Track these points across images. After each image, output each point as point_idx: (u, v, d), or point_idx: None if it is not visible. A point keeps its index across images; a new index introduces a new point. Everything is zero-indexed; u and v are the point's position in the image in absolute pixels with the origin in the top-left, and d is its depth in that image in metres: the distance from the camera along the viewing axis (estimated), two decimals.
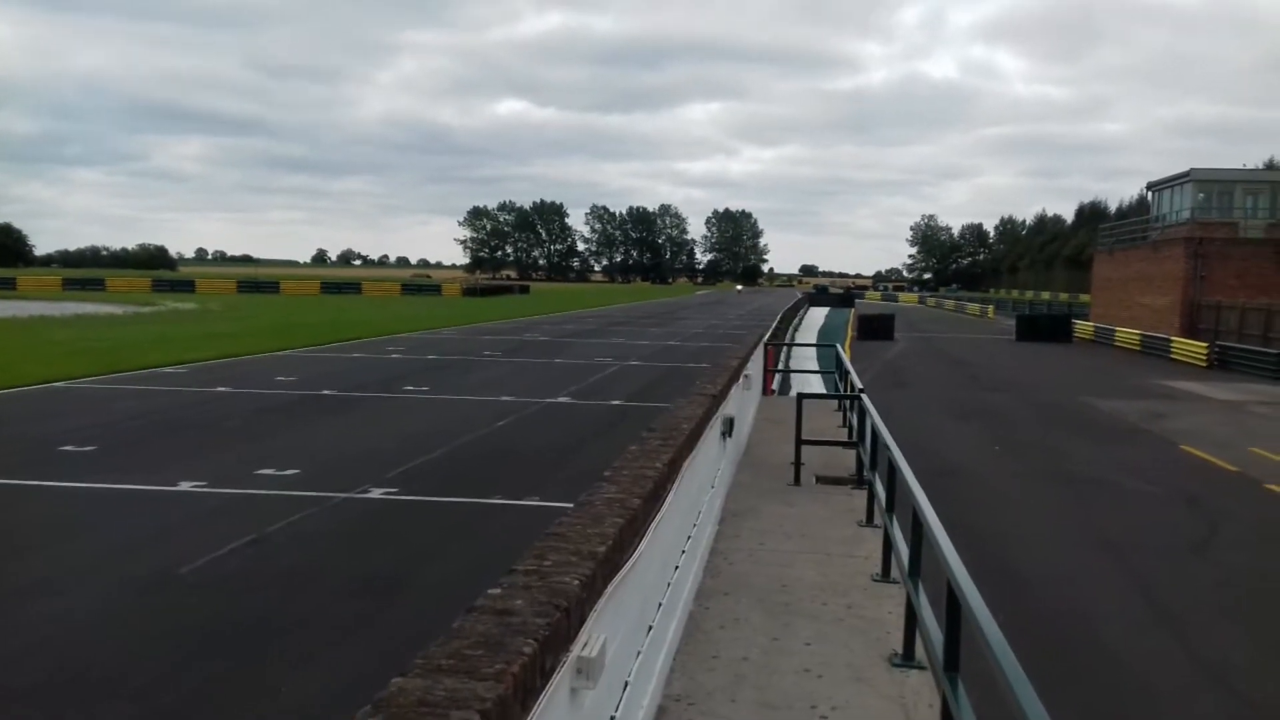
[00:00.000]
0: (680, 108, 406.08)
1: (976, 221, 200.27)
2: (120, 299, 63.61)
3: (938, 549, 3.83)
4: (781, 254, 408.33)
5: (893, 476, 5.94)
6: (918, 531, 4.63)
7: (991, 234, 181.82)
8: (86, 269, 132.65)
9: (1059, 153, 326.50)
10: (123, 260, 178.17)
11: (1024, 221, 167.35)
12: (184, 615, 6.37)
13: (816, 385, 22.39)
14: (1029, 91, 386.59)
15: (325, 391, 17.77)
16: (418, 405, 16.74)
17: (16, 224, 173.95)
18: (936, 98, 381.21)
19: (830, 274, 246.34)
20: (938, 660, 3.80)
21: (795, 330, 45.60)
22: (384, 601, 6.77)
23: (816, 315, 62.72)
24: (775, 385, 21.12)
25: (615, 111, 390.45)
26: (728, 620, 5.36)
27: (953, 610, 3.45)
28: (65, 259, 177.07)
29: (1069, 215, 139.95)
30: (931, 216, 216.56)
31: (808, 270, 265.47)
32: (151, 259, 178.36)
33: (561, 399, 17.54)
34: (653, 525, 3.87)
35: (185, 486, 9.78)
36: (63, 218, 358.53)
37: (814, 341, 37.33)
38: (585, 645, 2.63)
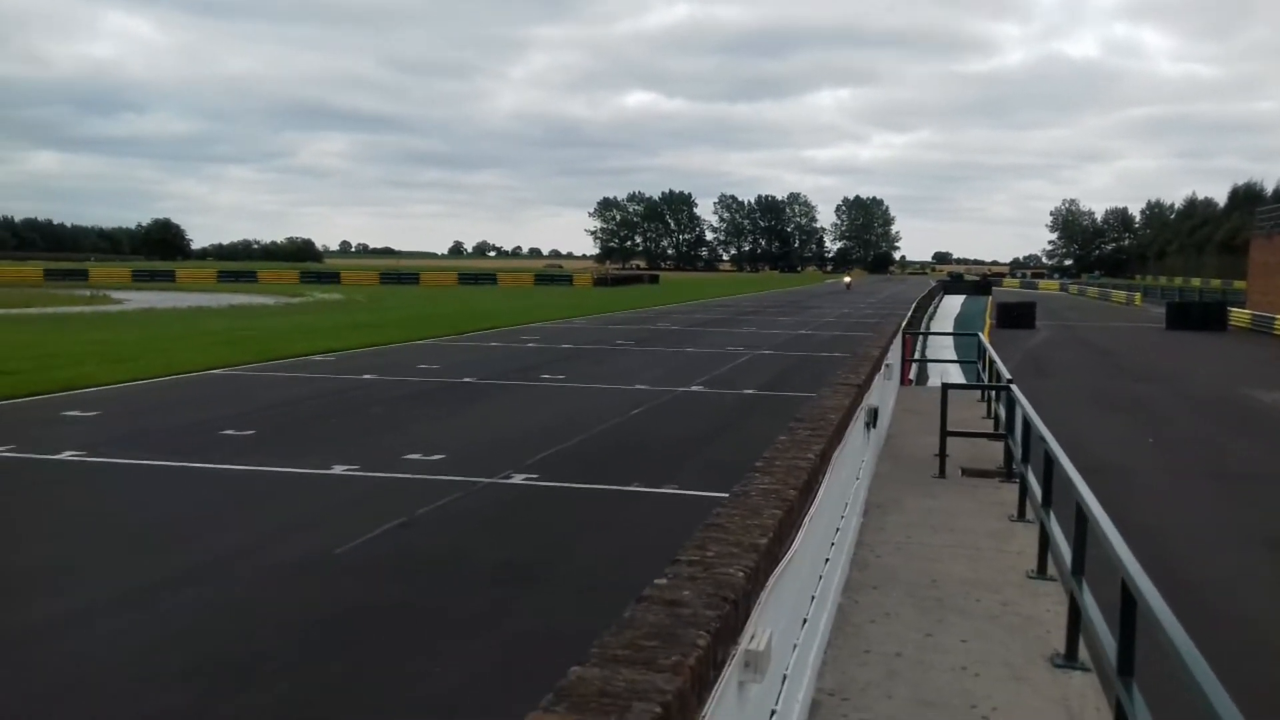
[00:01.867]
0: (808, 95, 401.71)
1: (1120, 206, 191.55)
2: (271, 290, 66.58)
3: (1107, 545, 3.67)
4: (913, 241, 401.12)
5: (1049, 470, 5.73)
6: (1081, 527, 4.46)
7: (1137, 219, 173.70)
8: (239, 262, 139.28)
9: (1209, 133, 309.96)
10: (272, 253, 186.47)
11: (1172, 205, 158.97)
12: (338, 596, 6.61)
13: (955, 375, 21.83)
14: (1176, 70, 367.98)
15: (466, 379, 18.22)
16: (554, 393, 16.99)
17: (175, 219, 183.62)
18: (1076, 78, 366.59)
19: (964, 261, 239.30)
20: (1108, 663, 3.64)
21: (930, 319, 44.48)
22: (526, 588, 6.89)
23: (952, 303, 61.05)
24: (912, 375, 20.65)
25: (742, 100, 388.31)
26: (878, 614, 5.26)
27: (1127, 610, 3.31)
28: (219, 252, 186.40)
29: (1221, 198, 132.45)
30: (1073, 201, 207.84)
31: (940, 257, 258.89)
32: (299, 251, 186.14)
33: (694, 388, 17.55)
34: (807, 517, 3.82)
35: (339, 470, 10.16)
36: (215, 213, 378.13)
37: (950, 330, 36.37)
38: (752, 638, 2.62)
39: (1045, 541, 5.95)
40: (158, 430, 12.40)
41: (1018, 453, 7.76)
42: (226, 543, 7.81)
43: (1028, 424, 7.12)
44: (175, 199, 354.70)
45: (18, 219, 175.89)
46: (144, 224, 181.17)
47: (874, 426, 7.90)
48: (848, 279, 56.99)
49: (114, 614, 6.20)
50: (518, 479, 9.98)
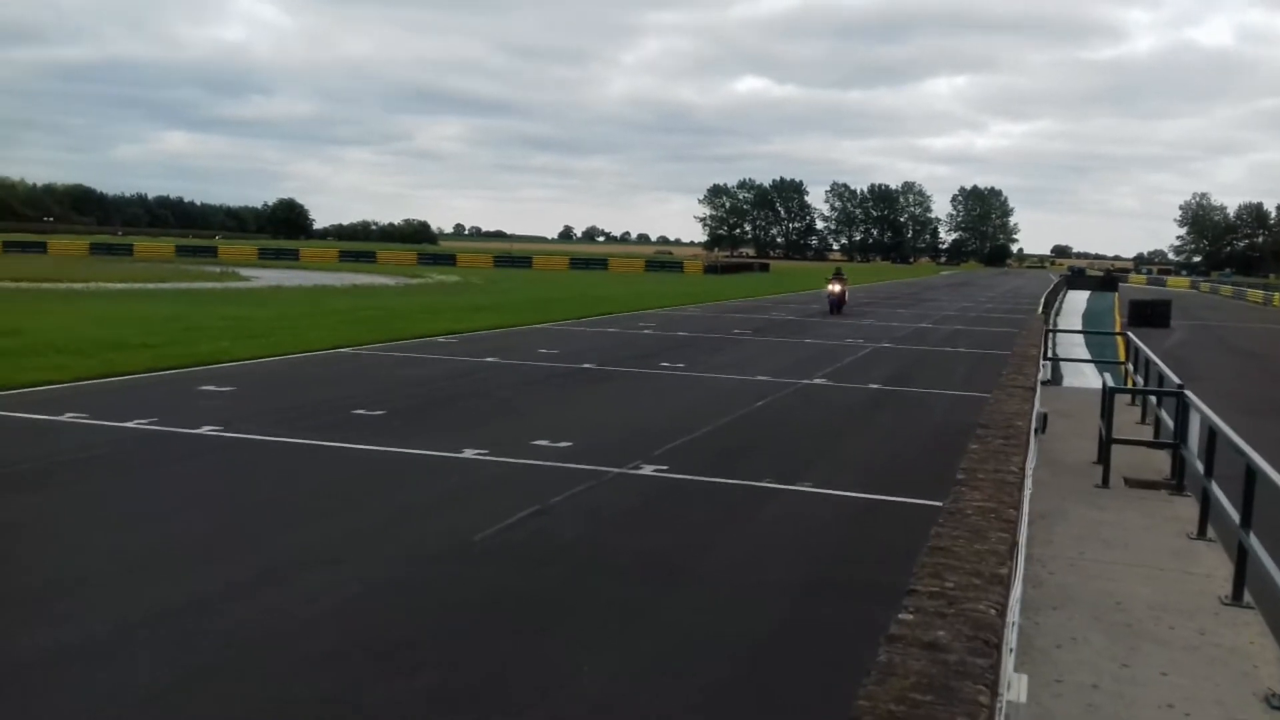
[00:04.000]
0: (923, 82, 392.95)
1: (1254, 201, 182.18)
2: (389, 270, 68.07)
3: None
4: (1031, 234, 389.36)
5: (1251, 485, 5.22)
6: None
7: (1272, 214, 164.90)
8: (358, 242, 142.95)
9: None
10: (389, 234, 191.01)
11: None
12: (477, 585, 6.48)
13: (1090, 375, 20.86)
14: None
15: (586, 365, 18.12)
16: (675, 381, 16.76)
17: (298, 199, 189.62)
18: (1207, 66, 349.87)
19: (1084, 255, 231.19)
20: None
21: (1056, 315, 42.87)
22: (666, 584, 6.66)
23: (1076, 299, 58.85)
24: (1048, 374, 19.79)
25: (856, 87, 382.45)
26: (1064, 638, 4.86)
27: None
28: (339, 232, 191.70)
29: None
30: (1203, 195, 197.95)
31: (1060, 251, 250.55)
32: (415, 233, 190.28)
33: (817, 380, 17.11)
34: (1022, 538, 3.48)
35: (469, 454, 10.10)
36: (335, 194, 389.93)
37: (1078, 328, 34.96)
38: (1010, 687, 2.30)
39: (1243, 565, 5.44)
40: (290, 407, 12.57)
41: (1196, 465, 7.19)
42: (364, 523, 7.77)
43: (1211, 433, 6.57)
44: (298, 179, 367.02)
45: (151, 196, 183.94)
46: (269, 203, 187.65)
47: (1043, 433, 7.43)
48: (835, 287, 34.89)
49: (254, 593, 6.17)
50: (647, 470, 9.76)
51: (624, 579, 6.74)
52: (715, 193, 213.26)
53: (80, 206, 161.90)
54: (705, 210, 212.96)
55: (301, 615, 5.81)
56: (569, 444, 10.69)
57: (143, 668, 5.04)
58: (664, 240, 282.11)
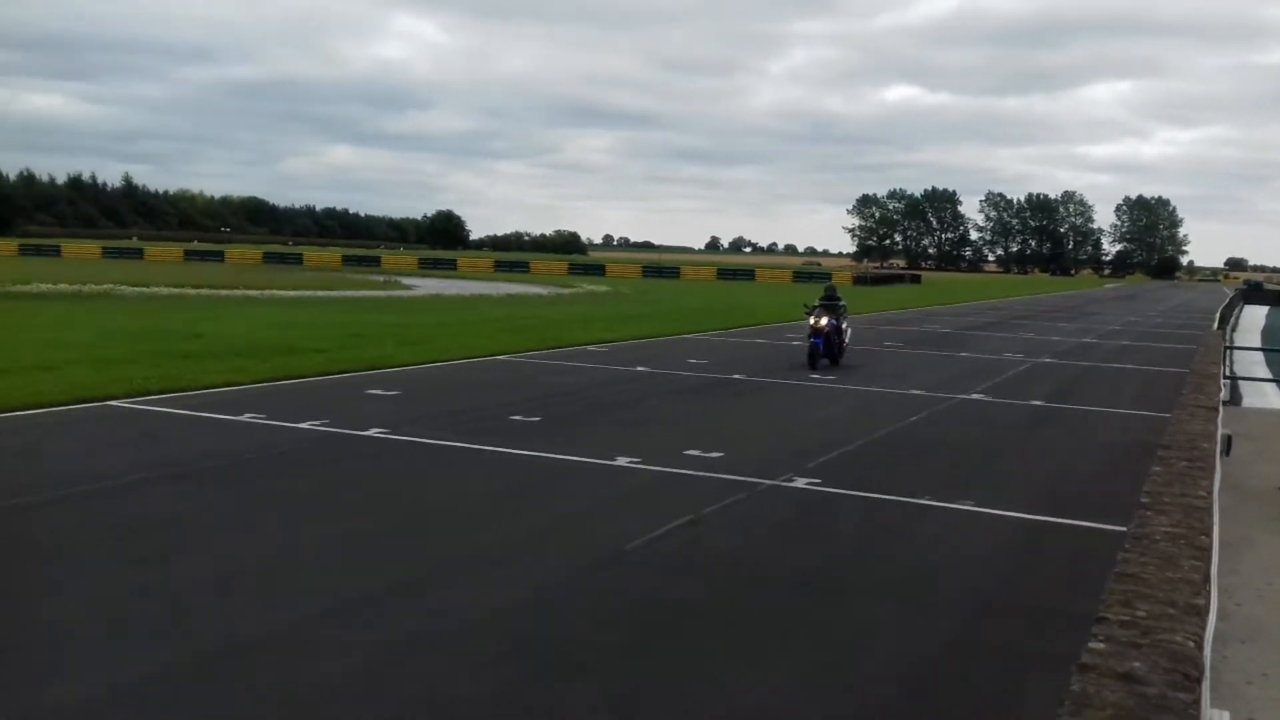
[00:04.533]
0: (1083, 88, 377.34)
1: None
2: (542, 280, 69.57)
3: None
4: (1202, 245, 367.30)
5: None
6: None
7: None
8: (511, 252, 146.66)
9: None
10: (541, 245, 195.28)
11: None
12: (635, 592, 6.55)
13: (1271, 395, 19.62)
14: None
15: (735, 375, 18.09)
16: (826, 394, 16.55)
17: (455, 211, 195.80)
18: None
19: (1260, 268, 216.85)
20: None
21: (1232, 331, 40.40)
22: (823, 601, 6.59)
23: (1253, 315, 55.32)
24: (1226, 394, 18.68)
25: (1011, 94, 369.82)
26: (1254, 674, 4.59)
27: None
28: (493, 243, 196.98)
29: None
30: None
31: (1234, 264, 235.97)
32: (566, 244, 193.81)
33: (974, 396, 16.61)
34: (1214, 568, 3.31)
35: (622, 461, 10.22)
36: (489, 205, 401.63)
37: (1257, 345, 32.87)
38: None
39: None
40: (452, 411, 12.99)
41: None
42: (524, 527, 7.97)
43: None
44: (454, 191, 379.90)
45: (319, 208, 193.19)
46: (428, 215, 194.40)
47: (1228, 455, 7.03)
48: (821, 320, 19.42)
49: (420, 592, 6.40)
50: (800, 483, 9.68)
51: (781, 591, 6.70)
52: (864, 203, 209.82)
53: (254, 217, 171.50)
54: (854, 221, 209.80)
55: (470, 614, 6.00)
56: (720, 454, 10.69)
57: (308, 665, 5.30)
58: (811, 251, 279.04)
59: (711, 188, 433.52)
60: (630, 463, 10.20)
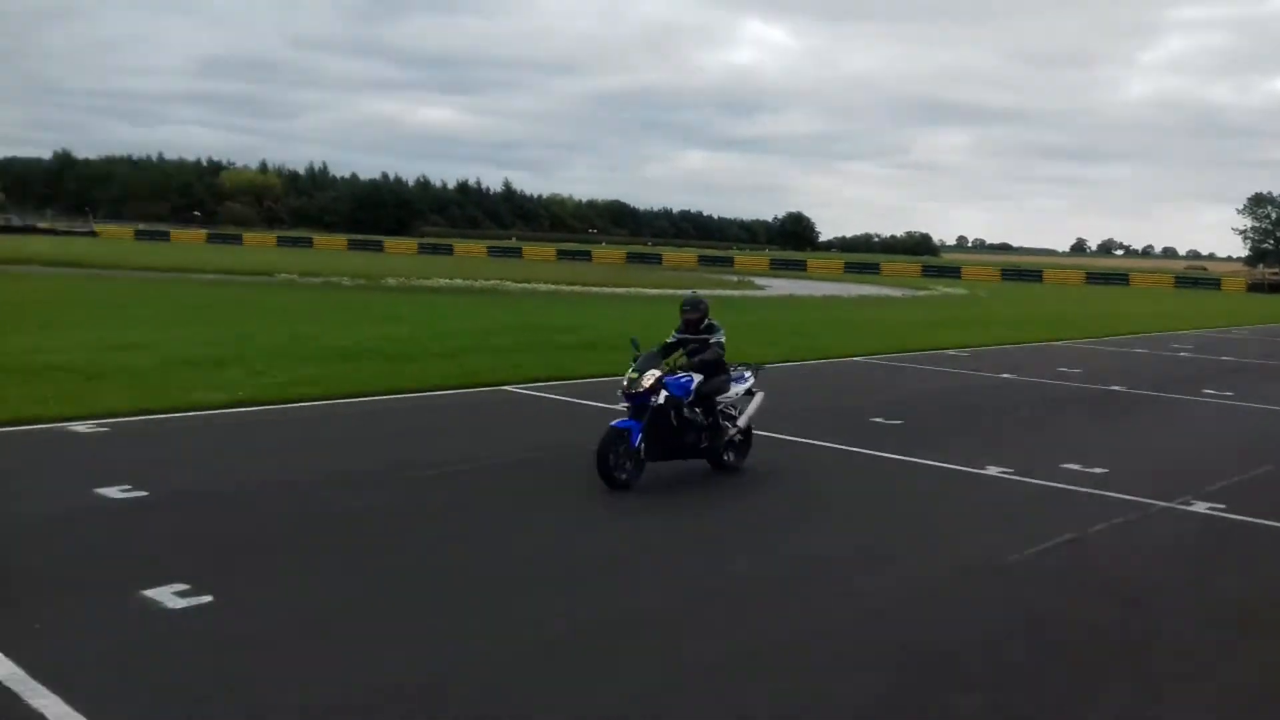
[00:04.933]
0: None
1: None
2: (893, 282, 68.18)
3: None
4: None
5: None
6: None
7: None
8: (860, 254, 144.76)
9: None
10: (890, 246, 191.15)
11: None
12: (1018, 606, 6.25)
13: None
14: None
15: (1113, 387, 16.79)
16: (1222, 411, 14.96)
17: (805, 213, 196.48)
18: None
19: None
20: None
21: None
22: (1242, 633, 5.97)
23: None
24: None
25: None
26: None
27: None
28: (842, 245, 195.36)
29: None
30: None
31: None
32: (916, 246, 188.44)
33: None
34: None
35: (993, 471, 9.80)
36: (839, 207, 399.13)
37: None
38: None
39: None
40: (813, 410, 13.02)
41: None
42: (895, 531, 7.87)
43: None
44: (804, 193, 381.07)
45: (675, 210, 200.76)
46: (778, 216, 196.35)
47: None
48: (639, 376, 8.53)
49: (809, 579, 6.50)
50: (1200, 507, 8.81)
51: (1187, 621, 6.15)
52: (1257, 202, 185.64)
53: (617, 219, 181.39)
54: (1245, 222, 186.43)
55: (852, 613, 6.03)
56: (1103, 470, 9.96)
57: (682, 646, 5.52)
58: (1194, 255, 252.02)
59: (1074, 186, 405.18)
60: (1001, 472, 9.76)
